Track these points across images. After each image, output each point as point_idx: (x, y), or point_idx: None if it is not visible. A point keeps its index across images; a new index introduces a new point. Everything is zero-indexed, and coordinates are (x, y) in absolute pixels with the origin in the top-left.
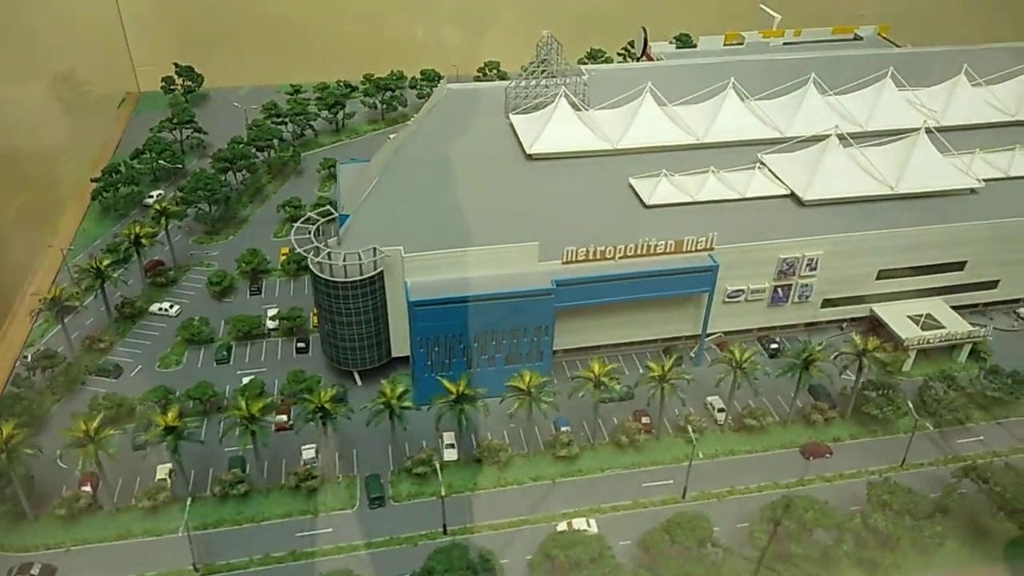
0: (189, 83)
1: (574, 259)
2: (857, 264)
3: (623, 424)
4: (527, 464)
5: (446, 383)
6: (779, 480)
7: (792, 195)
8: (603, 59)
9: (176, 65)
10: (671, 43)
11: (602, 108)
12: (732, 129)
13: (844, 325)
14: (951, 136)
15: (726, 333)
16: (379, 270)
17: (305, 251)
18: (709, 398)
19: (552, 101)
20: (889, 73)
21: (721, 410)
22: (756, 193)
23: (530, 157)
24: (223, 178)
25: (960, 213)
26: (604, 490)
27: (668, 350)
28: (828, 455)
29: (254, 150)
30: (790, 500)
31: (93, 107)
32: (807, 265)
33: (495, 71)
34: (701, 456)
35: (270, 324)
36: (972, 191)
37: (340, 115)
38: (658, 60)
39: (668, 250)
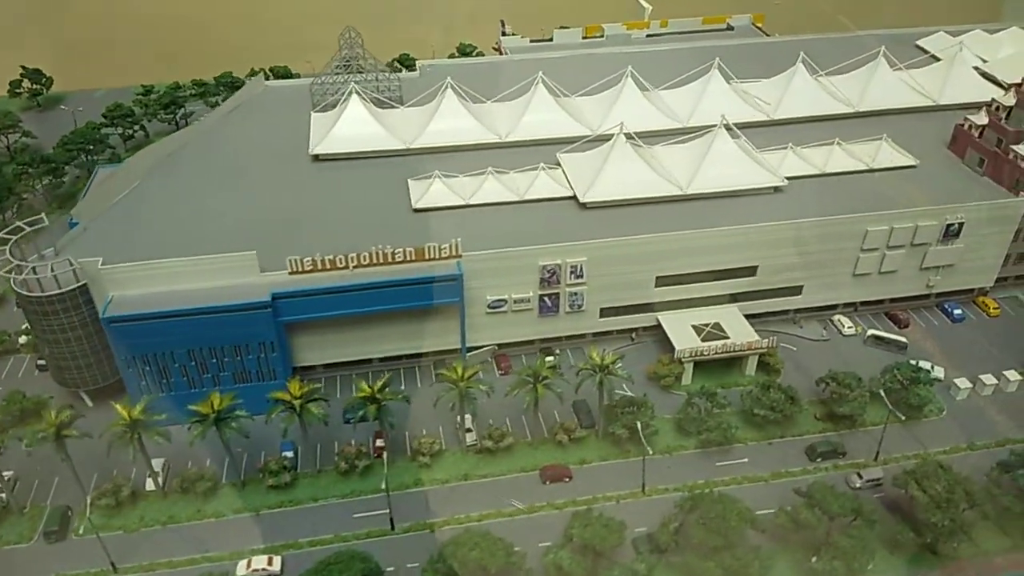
0: (36, 86)
1: (301, 269)
2: (630, 271)
3: (343, 449)
4: (235, 494)
5: (119, 407)
6: (505, 508)
7: (575, 197)
8: (475, 53)
9: (23, 68)
10: (524, 36)
11: (411, 106)
12: (538, 127)
13: (635, 335)
14: (782, 130)
15: (501, 345)
16: (82, 283)
17: None
18: (464, 417)
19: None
20: (715, 65)
21: (468, 430)
22: (537, 195)
23: (316, 158)
24: (30, 184)
25: (758, 214)
26: (311, 523)
27: (438, 363)
28: (567, 479)
29: (81, 154)
30: (460, 535)
31: None
32: (571, 272)
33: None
34: (386, 487)
35: (22, 340)
36: (776, 190)
37: (178, 116)
38: (506, 54)
39: (409, 258)
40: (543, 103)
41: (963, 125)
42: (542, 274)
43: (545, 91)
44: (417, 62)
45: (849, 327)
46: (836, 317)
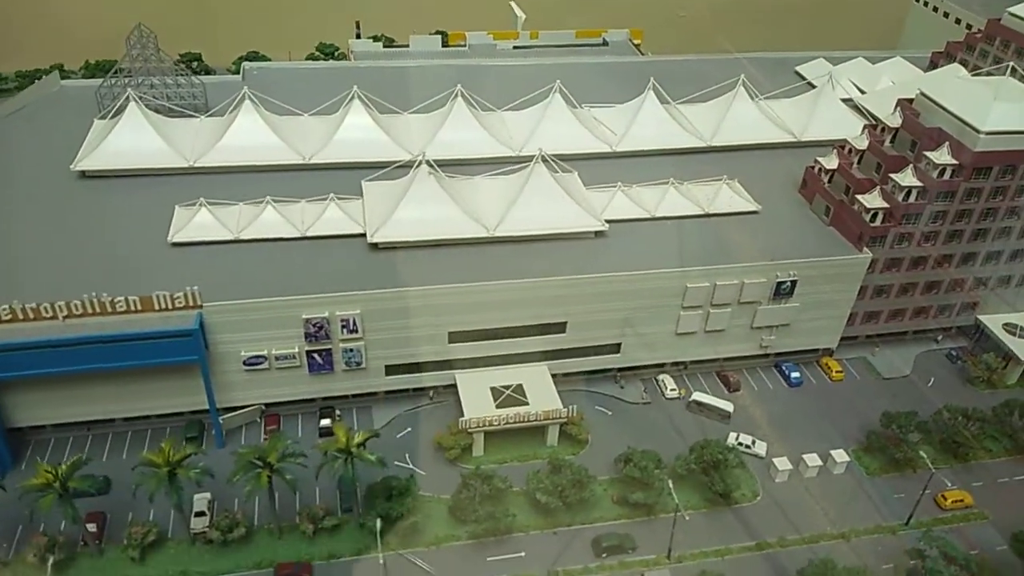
0: None
1: None
2: (417, 325)
3: (34, 539)
4: None
5: None
6: None
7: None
8: (339, 55)
9: None
10: (376, 39)
11: (212, 115)
12: (351, 147)
13: (433, 393)
14: (626, 164)
15: (270, 405)
16: None
17: None
18: (197, 496)
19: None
20: (556, 89)
21: (200, 514)
22: (323, 231)
23: (83, 175)
24: None
25: (571, 262)
26: None
27: (191, 424)
28: None
29: None
30: None
31: None
32: (344, 326)
33: (197, 63)
34: None
35: None
36: (597, 235)
37: None
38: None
39: (133, 308)
40: (359, 120)
41: (813, 167)
42: (307, 328)
43: (361, 106)
44: (243, 64)
45: (672, 389)
46: (661, 377)
